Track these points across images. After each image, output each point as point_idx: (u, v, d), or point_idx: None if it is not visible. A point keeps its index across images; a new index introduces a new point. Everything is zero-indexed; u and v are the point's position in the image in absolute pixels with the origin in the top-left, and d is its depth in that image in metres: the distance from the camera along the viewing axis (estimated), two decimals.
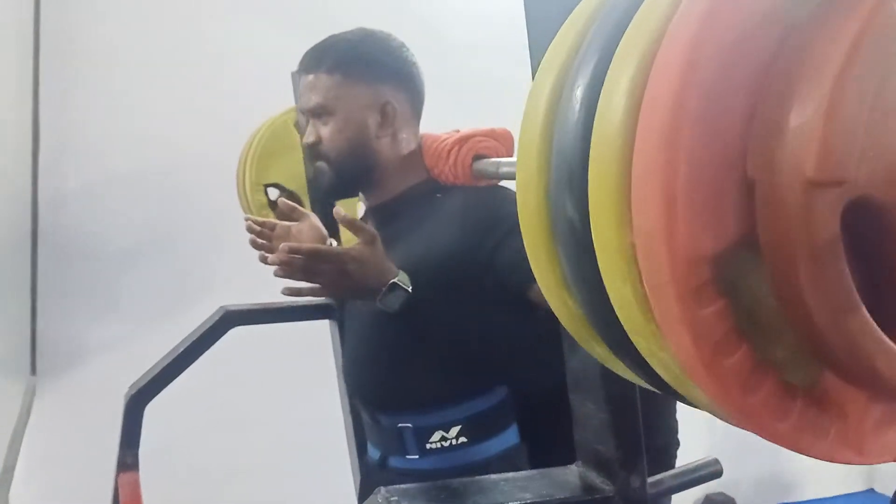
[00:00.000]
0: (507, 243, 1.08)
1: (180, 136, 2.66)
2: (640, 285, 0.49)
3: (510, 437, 1.17)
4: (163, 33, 2.72)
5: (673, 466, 1.29)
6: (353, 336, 1.27)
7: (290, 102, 1.77)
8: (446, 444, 1.14)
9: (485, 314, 1.11)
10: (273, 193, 1.88)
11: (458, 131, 1.21)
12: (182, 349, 1.49)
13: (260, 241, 1.26)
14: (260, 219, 1.33)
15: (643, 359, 0.55)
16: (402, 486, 0.66)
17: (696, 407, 0.58)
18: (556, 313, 0.62)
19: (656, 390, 0.61)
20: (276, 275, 1.08)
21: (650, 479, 0.67)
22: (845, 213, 0.44)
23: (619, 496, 0.65)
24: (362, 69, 1.20)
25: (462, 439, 1.14)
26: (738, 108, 0.45)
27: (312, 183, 1.26)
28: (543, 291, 0.62)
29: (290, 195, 1.82)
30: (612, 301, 0.53)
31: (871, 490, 3.26)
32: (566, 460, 1.19)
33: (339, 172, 1.20)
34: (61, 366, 2.61)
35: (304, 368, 2.32)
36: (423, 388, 1.15)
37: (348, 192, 1.30)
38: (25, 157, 2.50)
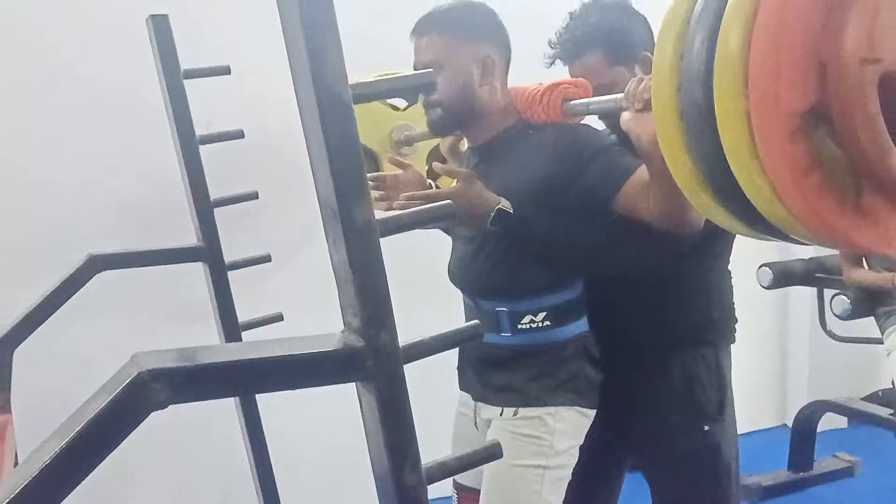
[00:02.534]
0: (592, 168, 1.36)
1: None
2: (749, 136, 0.77)
3: (582, 325, 1.46)
4: None
5: (733, 340, 1.57)
6: (459, 243, 1.56)
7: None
8: (534, 325, 1.42)
9: (569, 224, 1.38)
10: None
11: (541, 84, 1.49)
12: (48, 294, 1.59)
13: (380, 192, 1.56)
14: (373, 174, 1.63)
15: (741, 194, 0.83)
16: (161, 350, 0.66)
17: (773, 231, 0.86)
18: (675, 173, 0.91)
19: (744, 225, 0.89)
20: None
21: (407, 342, 0.75)
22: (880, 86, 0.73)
23: (369, 349, 0.71)
24: (467, 30, 1.48)
25: (546, 323, 1.42)
26: (816, 18, 0.73)
27: (430, 126, 1.55)
28: (668, 159, 0.90)
29: (369, 153, 2.10)
30: (725, 151, 0.81)
31: (785, 426, 3.31)
32: (625, 347, 1.48)
33: (449, 114, 1.48)
34: None
35: (178, 311, 2.27)
36: (519, 282, 1.43)
37: (454, 130, 1.58)
38: None
